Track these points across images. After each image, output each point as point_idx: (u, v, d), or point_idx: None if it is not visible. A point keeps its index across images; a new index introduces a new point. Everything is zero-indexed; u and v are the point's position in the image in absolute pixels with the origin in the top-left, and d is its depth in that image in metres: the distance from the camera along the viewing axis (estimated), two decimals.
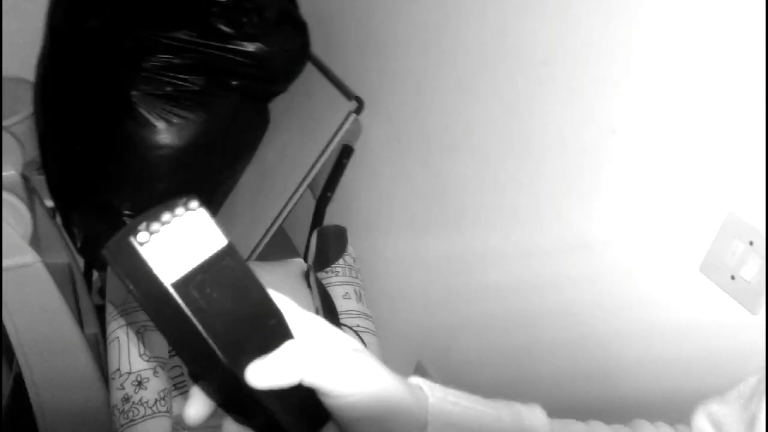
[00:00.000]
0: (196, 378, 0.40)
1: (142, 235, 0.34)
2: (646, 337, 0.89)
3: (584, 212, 0.96)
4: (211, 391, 0.40)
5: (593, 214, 0.94)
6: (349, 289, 1.37)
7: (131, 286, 0.35)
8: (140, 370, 1.14)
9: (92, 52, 1.39)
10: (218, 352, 0.36)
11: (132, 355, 1.16)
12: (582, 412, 0.55)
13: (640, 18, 0.83)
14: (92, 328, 1.51)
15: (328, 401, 0.39)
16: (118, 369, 1.15)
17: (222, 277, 0.37)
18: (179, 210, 0.36)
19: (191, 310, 0.35)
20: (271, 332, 0.39)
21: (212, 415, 0.41)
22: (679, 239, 0.81)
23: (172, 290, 0.35)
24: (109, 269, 1.37)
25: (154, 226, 0.35)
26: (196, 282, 0.36)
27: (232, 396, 0.40)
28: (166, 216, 0.35)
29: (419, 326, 1.38)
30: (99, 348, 1.50)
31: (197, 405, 0.40)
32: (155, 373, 1.15)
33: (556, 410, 0.49)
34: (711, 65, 0.75)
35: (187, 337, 0.36)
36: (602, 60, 0.90)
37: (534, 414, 0.47)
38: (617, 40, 0.87)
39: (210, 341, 0.36)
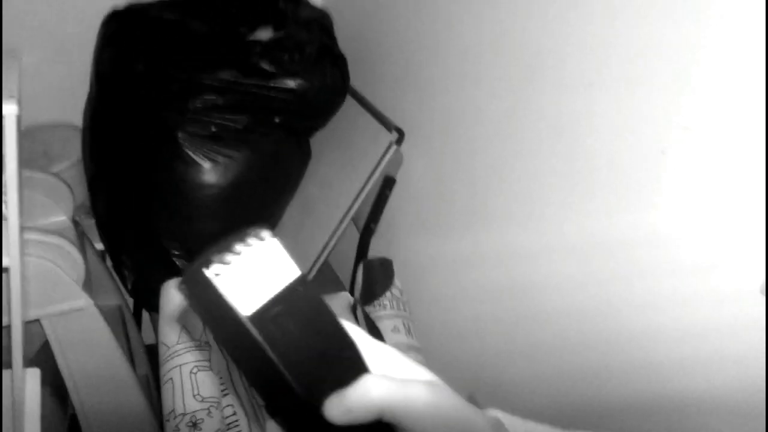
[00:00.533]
0: (273, 413, 0.40)
1: (216, 267, 0.34)
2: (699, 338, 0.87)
3: (638, 233, 0.94)
4: (288, 426, 0.40)
5: (647, 235, 0.92)
6: (398, 322, 1.36)
7: (208, 320, 0.35)
8: (194, 411, 1.14)
9: (138, 96, 1.42)
10: (295, 386, 0.36)
11: (186, 396, 1.16)
12: None
13: (705, 23, 0.82)
14: (143, 368, 1.52)
15: None
16: (173, 410, 1.15)
17: (296, 309, 0.36)
18: (252, 240, 0.36)
19: (268, 343, 0.35)
20: (347, 365, 0.39)
21: None
22: (742, 254, 0.79)
23: (248, 323, 0.34)
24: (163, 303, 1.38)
25: (228, 257, 0.35)
26: (272, 314, 0.35)
27: (310, 431, 0.39)
28: (239, 247, 0.35)
29: (471, 357, 1.36)
30: (150, 388, 1.51)
31: None
32: (209, 413, 1.15)
33: None
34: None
35: (264, 371, 0.36)
36: (652, 82, 0.88)
37: None
38: (670, 58, 0.85)
39: (287, 375, 0.35)
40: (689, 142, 0.84)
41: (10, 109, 0.89)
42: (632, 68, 0.91)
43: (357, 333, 0.41)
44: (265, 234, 0.37)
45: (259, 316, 0.35)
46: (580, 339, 1.08)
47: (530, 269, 1.17)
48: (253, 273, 0.35)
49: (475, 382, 1.36)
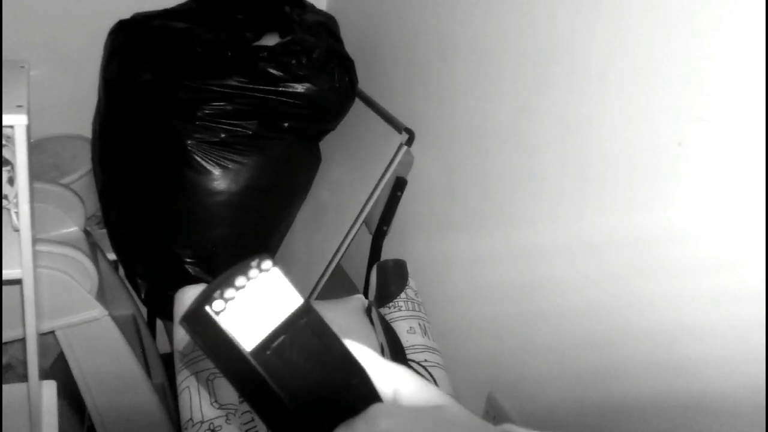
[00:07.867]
0: None
1: (217, 304, 0.34)
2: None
3: (656, 230, 0.93)
4: None
5: (665, 232, 0.91)
6: (414, 323, 1.34)
7: (211, 355, 0.35)
8: (212, 419, 1.13)
9: (147, 105, 1.42)
10: (301, 419, 0.35)
11: (203, 404, 1.15)
12: None
13: (712, 21, 0.80)
14: (159, 377, 1.52)
15: None
16: (191, 418, 1.15)
17: (300, 338, 0.36)
18: (253, 272, 0.36)
19: (270, 377, 0.35)
20: (355, 392, 0.38)
21: None
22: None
23: (251, 359, 0.34)
24: (175, 323, 1.37)
25: (229, 292, 0.35)
26: (275, 346, 0.35)
27: None
28: (240, 280, 0.35)
29: (488, 355, 1.35)
30: (167, 397, 1.51)
31: None
32: (227, 420, 1.14)
33: None
34: None
35: (268, 404, 0.36)
36: (664, 70, 0.87)
37: None
38: (681, 47, 0.84)
39: (291, 407, 0.35)
40: (710, 133, 0.82)
41: (20, 120, 0.88)
42: (645, 58, 0.90)
43: (366, 355, 0.40)
44: (267, 264, 0.36)
45: (261, 350, 0.34)
46: (596, 337, 1.07)
47: (545, 268, 1.15)
48: (255, 306, 0.35)
49: (493, 381, 1.35)
